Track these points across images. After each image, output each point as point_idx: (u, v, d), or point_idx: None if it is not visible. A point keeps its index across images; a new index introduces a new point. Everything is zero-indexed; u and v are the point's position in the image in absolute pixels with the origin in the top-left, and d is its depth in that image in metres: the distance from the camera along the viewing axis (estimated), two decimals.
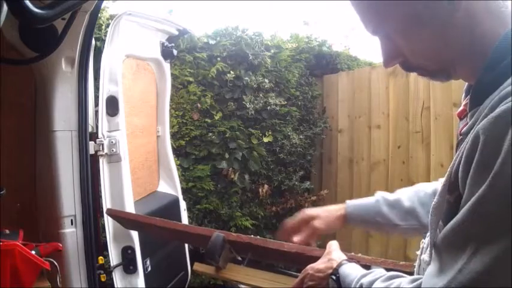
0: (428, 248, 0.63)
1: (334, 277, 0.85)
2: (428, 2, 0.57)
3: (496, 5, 0.58)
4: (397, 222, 1.03)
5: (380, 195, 1.06)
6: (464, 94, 0.69)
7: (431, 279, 0.55)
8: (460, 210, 0.52)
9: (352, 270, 0.83)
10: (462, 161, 0.54)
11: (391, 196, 1.05)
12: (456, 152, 0.63)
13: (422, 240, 0.77)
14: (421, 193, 1.03)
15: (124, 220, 1.61)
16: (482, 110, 0.54)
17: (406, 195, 1.04)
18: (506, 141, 0.46)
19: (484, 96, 0.54)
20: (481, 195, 0.48)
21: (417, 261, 0.78)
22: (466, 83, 0.69)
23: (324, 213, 1.09)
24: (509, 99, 0.49)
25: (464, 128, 0.59)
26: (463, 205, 0.52)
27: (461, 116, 0.69)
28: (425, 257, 0.65)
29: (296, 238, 1.09)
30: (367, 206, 1.07)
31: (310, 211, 1.11)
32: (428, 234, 0.73)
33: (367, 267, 0.88)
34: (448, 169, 0.59)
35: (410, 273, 0.73)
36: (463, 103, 0.67)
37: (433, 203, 0.61)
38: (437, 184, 1.03)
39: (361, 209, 1.07)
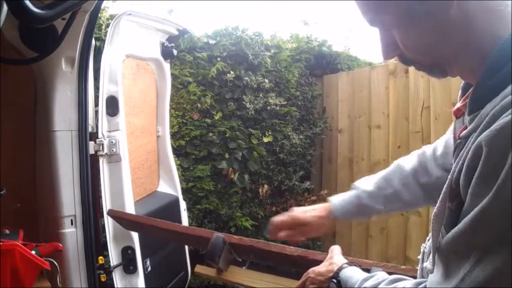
0: (431, 255, 0.62)
1: (334, 280, 0.85)
2: None
3: (493, 4, 0.57)
4: (382, 209, 1.07)
5: (361, 190, 1.08)
6: (461, 92, 0.69)
7: (435, 286, 0.56)
8: (461, 218, 0.53)
9: (353, 274, 0.83)
10: (463, 170, 0.54)
11: (370, 186, 1.07)
12: (454, 155, 0.63)
13: (423, 244, 0.77)
14: (399, 175, 1.05)
15: (125, 221, 1.61)
16: (483, 116, 0.54)
17: (385, 181, 1.06)
18: (511, 155, 0.46)
19: (485, 101, 0.54)
20: (484, 206, 0.48)
21: (419, 265, 0.77)
22: (463, 81, 0.69)
23: (313, 220, 1.10)
24: None
25: (463, 132, 0.59)
26: (464, 213, 0.52)
27: (458, 114, 0.68)
28: (427, 265, 0.65)
29: (283, 233, 1.10)
30: (351, 205, 1.08)
31: (299, 215, 1.11)
32: (428, 238, 0.73)
33: (367, 270, 0.88)
34: (449, 176, 0.59)
35: (412, 278, 0.72)
36: (460, 101, 0.67)
37: (434, 210, 0.61)
38: (413, 159, 1.06)
39: (347, 210, 1.09)
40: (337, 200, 1.10)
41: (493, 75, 0.54)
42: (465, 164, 0.53)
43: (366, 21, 0.64)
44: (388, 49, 0.64)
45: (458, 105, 0.67)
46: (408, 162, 1.07)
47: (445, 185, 0.59)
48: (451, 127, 0.95)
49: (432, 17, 0.57)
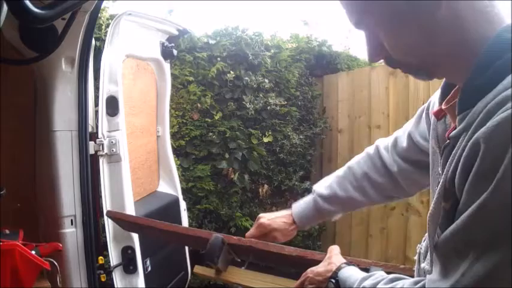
0: (428, 256, 0.62)
1: (333, 280, 0.85)
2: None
3: (481, 4, 0.57)
4: (339, 211, 1.14)
5: (316, 194, 1.14)
6: (441, 93, 0.69)
7: (435, 283, 0.56)
8: (457, 216, 0.53)
9: (351, 273, 0.83)
10: (459, 169, 0.53)
11: (326, 190, 1.13)
12: (442, 155, 0.63)
13: (419, 245, 0.78)
14: (351, 179, 1.10)
15: (124, 222, 1.61)
16: (475, 114, 0.53)
17: (339, 186, 1.11)
18: (509, 150, 0.46)
19: (476, 99, 0.54)
20: (483, 202, 0.48)
21: (415, 265, 0.78)
22: (443, 82, 0.68)
23: (280, 226, 1.16)
24: (509, 105, 0.48)
25: (453, 132, 0.58)
26: (461, 211, 0.52)
27: (439, 116, 0.68)
28: (425, 265, 0.65)
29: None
30: (309, 210, 1.14)
31: (266, 222, 1.17)
32: (424, 239, 0.73)
33: (366, 270, 0.88)
34: (442, 177, 0.59)
35: (411, 277, 0.73)
36: (444, 103, 0.66)
37: (429, 211, 0.61)
38: (366, 159, 1.10)
39: (307, 217, 1.15)
40: (298, 207, 1.16)
41: (482, 74, 0.54)
42: (461, 162, 0.53)
43: (351, 23, 0.63)
44: (374, 51, 0.63)
45: (439, 107, 0.67)
46: (360, 164, 1.11)
47: (439, 186, 0.59)
48: (412, 123, 0.97)
49: (420, 17, 0.57)
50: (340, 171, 1.14)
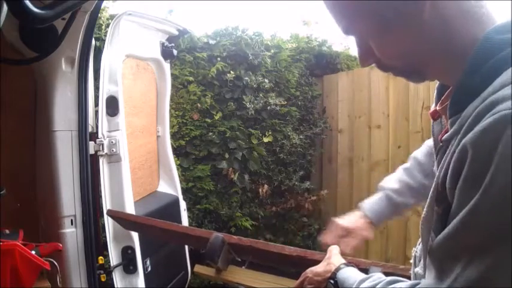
0: (422, 260, 0.62)
1: (332, 281, 0.85)
2: (394, 3, 0.56)
3: (468, 4, 0.56)
4: (413, 202, 1.11)
5: (388, 190, 1.11)
6: (436, 94, 0.69)
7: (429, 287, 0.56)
8: (449, 221, 0.53)
9: (350, 274, 0.83)
10: (449, 173, 0.53)
11: (395, 183, 1.11)
12: (436, 158, 0.63)
13: (414, 248, 0.77)
14: (418, 166, 1.09)
15: (124, 221, 1.62)
16: (465, 118, 0.53)
17: (408, 175, 1.09)
18: (497, 155, 0.46)
19: (466, 102, 0.54)
20: (473, 207, 0.48)
21: (411, 269, 0.78)
22: (438, 82, 0.68)
23: (356, 229, 1.12)
24: (496, 109, 0.48)
25: (445, 135, 0.58)
26: (452, 216, 0.52)
27: (435, 116, 0.68)
28: (419, 270, 0.65)
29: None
30: (384, 207, 1.12)
31: (343, 224, 1.13)
32: (419, 242, 0.73)
33: (365, 270, 0.88)
34: (434, 180, 0.59)
35: (410, 279, 0.73)
36: (438, 104, 0.66)
37: (422, 215, 0.61)
38: (424, 149, 1.10)
39: (382, 214, 1.12)
40: (369, 205, 1.13)
41: (472, 77, 0.54)
42: (450, 167, 0.53)
43: (340, 29, 0.63)
44: (365, 56, 0.63)
45: (435, 108, 0.68)
46: (423, 152, 1.11)
47: (431, 190, 0.59)
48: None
49: (406, 20, 0.56)
50: (403, 165, 1.13)
